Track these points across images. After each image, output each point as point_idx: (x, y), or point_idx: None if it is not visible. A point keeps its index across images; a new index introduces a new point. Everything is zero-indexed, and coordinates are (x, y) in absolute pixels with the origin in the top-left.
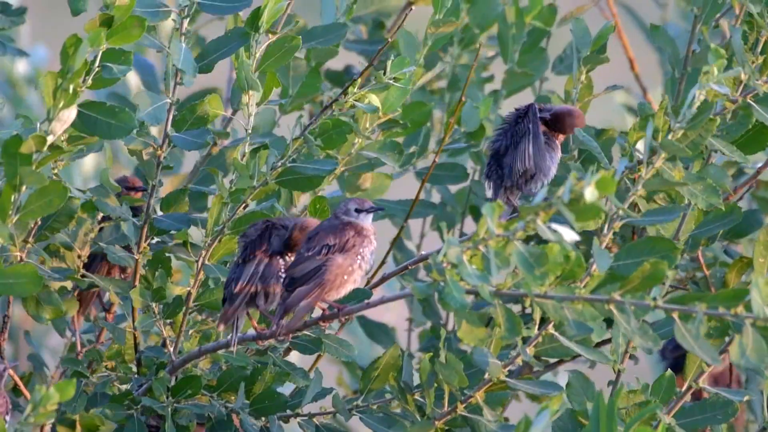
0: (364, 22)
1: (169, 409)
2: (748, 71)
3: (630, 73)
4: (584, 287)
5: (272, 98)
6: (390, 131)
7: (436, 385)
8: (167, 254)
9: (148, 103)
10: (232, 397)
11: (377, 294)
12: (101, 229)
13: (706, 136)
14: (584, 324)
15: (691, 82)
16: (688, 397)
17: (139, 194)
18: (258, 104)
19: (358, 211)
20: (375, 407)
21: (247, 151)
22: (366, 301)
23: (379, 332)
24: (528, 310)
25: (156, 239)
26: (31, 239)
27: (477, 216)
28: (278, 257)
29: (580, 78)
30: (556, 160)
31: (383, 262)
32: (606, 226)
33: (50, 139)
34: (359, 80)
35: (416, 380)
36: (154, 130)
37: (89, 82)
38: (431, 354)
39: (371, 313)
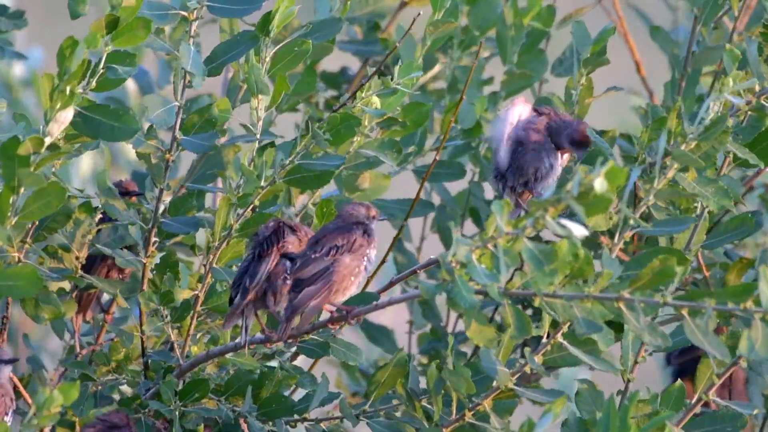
0: (359, 23)
1: (177, 413)
2: (763, 82)
3: (637, 76)
4: (593, 286)
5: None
6: (389, 130)
7: (443, 391)
8: (174, 259)
9: (157, 107)
10: (240, 401)
11: (383, 297)
12: (99, 230)
13: (720, 148)
14: (594, 322)
15: (691, 83)
16: (697, 408)
17: (134, 199)
18: (267, 108)
19: (369, 219)
20: (382, 413)
21: (255, 153)
22: (374, 302)
23: (378, 334)
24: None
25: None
26: (28, 240)
27: (476, 218)
28: (286, 259)
29: (580, 80)
30: (556, 160)
31: (383, 261)
32: (617, 235)
33: (48, 140)
34: (367, 84)
35: (421, 383)
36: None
37: (93, 84)
38: (438, 361)
39: (370, 315)
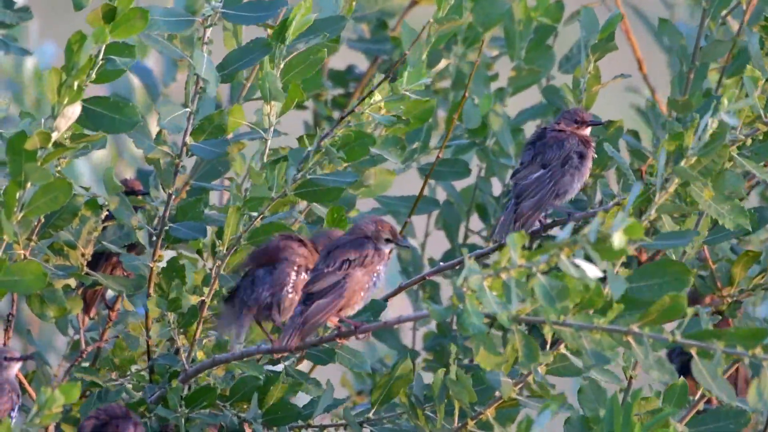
0: (368, 21)
1: (183, 419)
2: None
3: (638, 73)
4: (603, 318)
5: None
6: (393, 127)
7: (446, 399)
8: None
9: (169, 112)
10: (245, 407)
11: (391, 304)
12: (105, 227)
13: (720, 162)
14: (602, 354)
15: (699, 77)
16: (700, 405)
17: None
18: (279, 115)
19: (389, 240)
20: (386, 420)
21: (266, 160)
22: (384, 321)
23: (383, 332)
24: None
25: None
26: (34, 237)
27: (483, 214)
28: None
29: (588, 68)
30: (578, 181)
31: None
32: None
33: (55, 135)
34: (375, 93)
35: (425, 378)
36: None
37: (93, 76)
38: (443, 369)
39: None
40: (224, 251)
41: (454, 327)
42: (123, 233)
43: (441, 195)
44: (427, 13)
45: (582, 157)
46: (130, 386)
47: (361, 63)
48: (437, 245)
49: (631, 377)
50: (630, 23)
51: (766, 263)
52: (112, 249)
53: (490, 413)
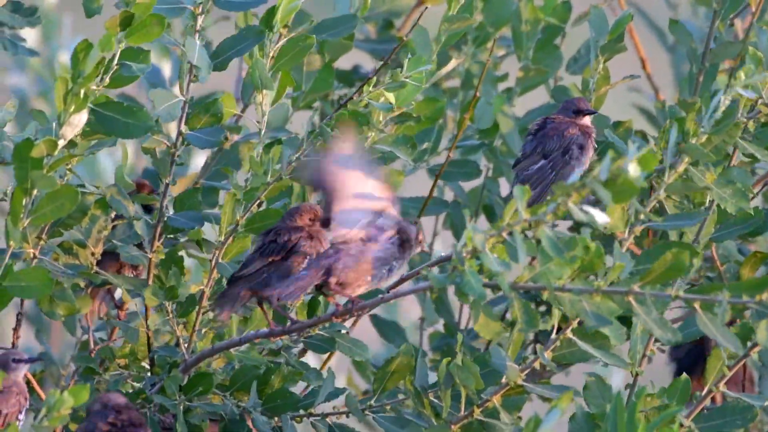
0: (375, 21)
1: (181, 407)
2: None
3: (642, 72)
4: (603, 280)
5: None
6: (403, 125)
7: (452, 387)
8: (179, 253)
9: (163, 101)
10: (245, 397)
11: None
12: (114, 226)
13: (730, 141)
14: (603, 316)
15: (709, 78)
16: (707, 401)
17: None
18: (272, 103)
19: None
20: (388, 408)
21: (261, 149)
22: (381, 296)
23: (390, 331)
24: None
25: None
26: (44, 236)
27: (490, 215)
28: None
29: (598, 68)
30: (580, 171)
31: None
32: (627, 230)
33: (61, 143)
34: (374, 78)
35: (430, 377)
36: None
37: (107, 80)
38: (449, 358)
39: (383, 312)
40: (222, 239)
41: (461, 327)
42: (132, 232)
43: (449, 195)
44: (433, 13)
45: (582, 147)
46: (130, 380)
47: (367, 63)
48: (445, 246)
49: (637, 374)
50: (633, 22)
51: None
52: (117, 245)
53: (496, 400)
